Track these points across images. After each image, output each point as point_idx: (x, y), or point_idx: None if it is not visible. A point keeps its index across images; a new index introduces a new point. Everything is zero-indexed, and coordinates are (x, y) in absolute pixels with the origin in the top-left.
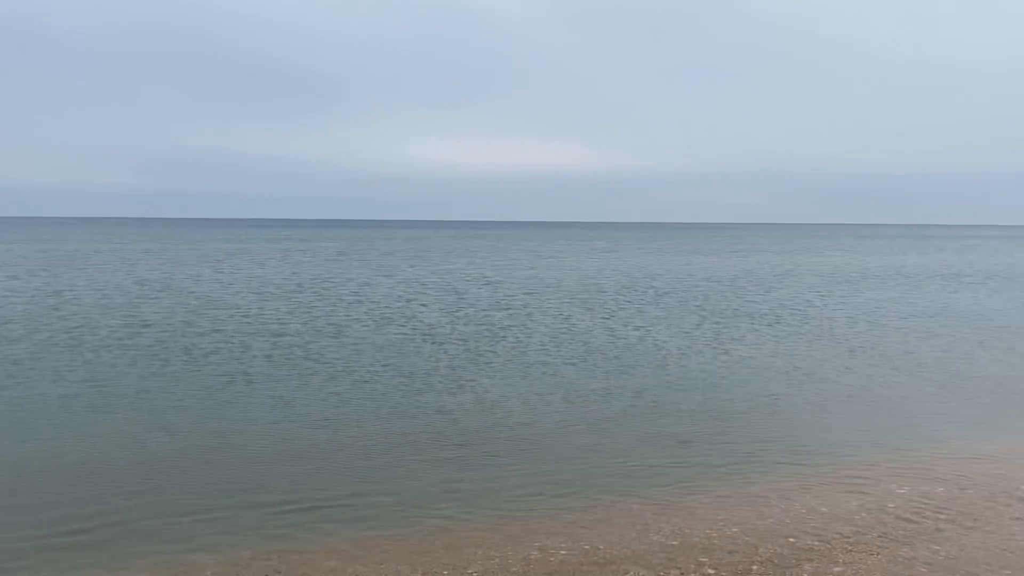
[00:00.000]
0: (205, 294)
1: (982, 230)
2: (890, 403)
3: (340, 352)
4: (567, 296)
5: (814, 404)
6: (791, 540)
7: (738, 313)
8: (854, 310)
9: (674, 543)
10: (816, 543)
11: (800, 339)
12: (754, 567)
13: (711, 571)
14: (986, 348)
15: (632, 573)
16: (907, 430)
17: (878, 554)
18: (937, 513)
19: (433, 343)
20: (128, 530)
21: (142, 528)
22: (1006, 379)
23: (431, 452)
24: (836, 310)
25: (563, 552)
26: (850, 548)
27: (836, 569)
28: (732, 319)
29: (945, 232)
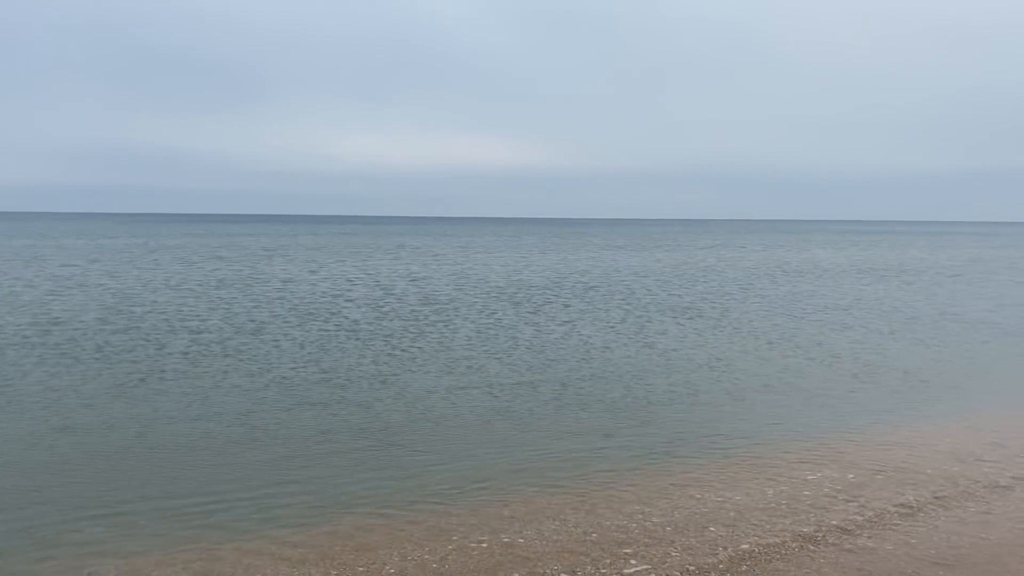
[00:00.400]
0: (121, 291)
1: (895, 225)
2: (806, 393)
3: (261, 349)
4: (494, 291)
5: (733, 395)
6: (710, 529)
7: (662, 307)
8: (772, 303)
9: (593, 535)
10: (731, 532)
11: (720, 332)
12: (673, 554)
13: (633, 562)
14: (897, 339)
15: (551, 566)
16: (822, 419)
17: (790, 543)
18: (848, 501)
19: (357, 339)
20: (26, 536)
21: (41, 533)
22: (915, 369)
23: (351, 448)
24: (755, 303)
25: (483, 546)
26: (764, 536)
27: (748, 554)
28: (656, 313)
29: (861, 227)
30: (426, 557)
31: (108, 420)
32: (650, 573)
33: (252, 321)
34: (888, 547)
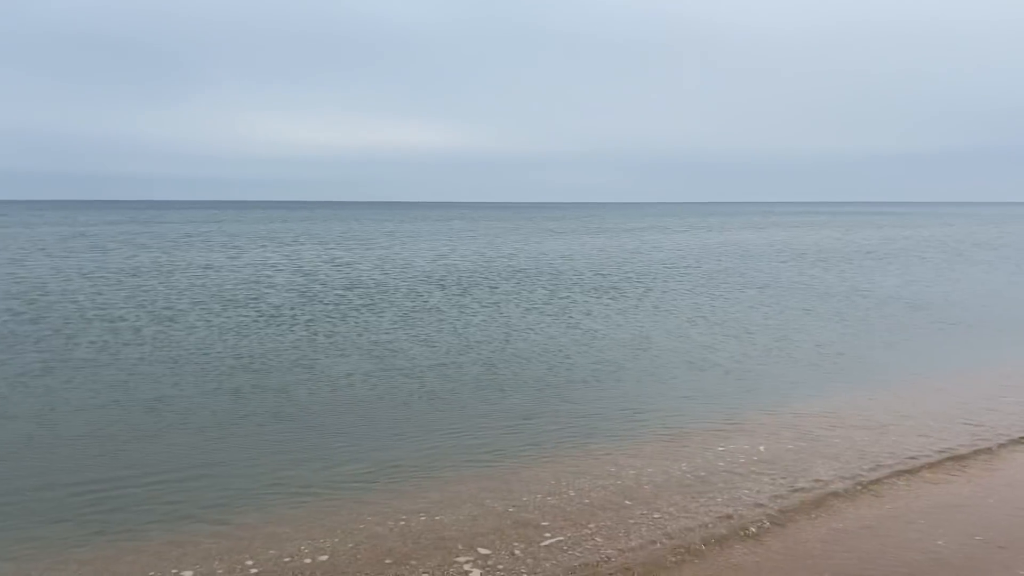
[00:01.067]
0: (31, 280)
1: (816, 206)
2: (722, 368)
3: (177, 336)
4: (421, 276)
5: (652, 372)
6: (627, 503)
7: (586, 288)
8: (694, 282)
9: (511, 513)
10: (646, 510)
11: (642, 311)
12: (589, 529)
13: (548, 534)
14: (811, 315)
15: (467, 546)
16: (738, 393)
17: (702, 517)
18: (760, 475)
19: (279, 325)
20: None
21: None
22: (828, 343)
23: (266, 435)
24: (677, 283)
25: (399, 529)
26: (677, 515)
27: (664, 535)
28: (580, 293)
29: (783, 208)
30: (339, 546)
31: (7, 410)
32: (564, 544)
33: (169, 309)
34: (797, 521)
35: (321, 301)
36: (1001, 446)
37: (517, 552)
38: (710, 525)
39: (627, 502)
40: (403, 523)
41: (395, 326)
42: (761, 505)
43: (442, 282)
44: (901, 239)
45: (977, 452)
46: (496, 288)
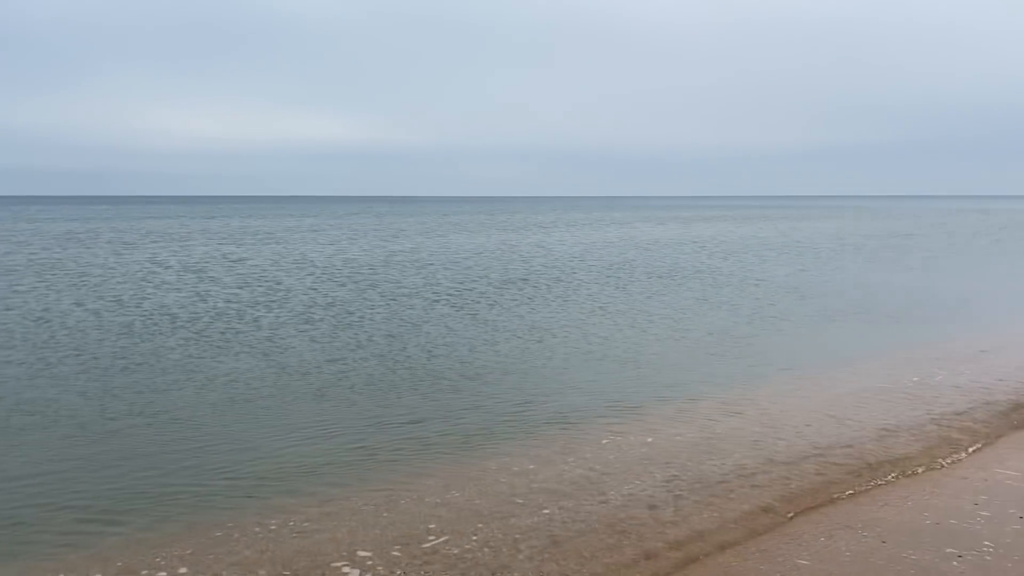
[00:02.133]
0: None
1: (715, 200)
2: (619, 359)
3: (52, 337)
4: (320, 271)
5: (548, 365)
6: (516, 502)
7: (492, 282)
8: (596, 273)
9: (392, 534)
10: (533, 510)
11: (544, 303)
12: (475, 530)
13: (431, 536)
14: (707, 304)
15: (342, 560)
16: (632, 383)
17: (594, 523)
18: (652, 472)
19: (164, 324)
20: None
21: None
22: (721, 331)
23: (133, 443)
24: (584, 275)
25: (269, 548)
26: (563, 516)
27: (548, 535)
28: (486, 286)
29: (685, 203)
30: (201, 562)
31: None
32: (446, 545)
33: (45, 310)
34: (695, 520)
35: (213, 300)
36: (887, 437)
37: (396, 553)
38: (595, 522)
39: (517, 501)
40: (273, 547)
41: (288, 323)
42: (656, 505)
43: (342, 278)
44: (795, 232)
45: (867, 442)
46: (401, 284)
